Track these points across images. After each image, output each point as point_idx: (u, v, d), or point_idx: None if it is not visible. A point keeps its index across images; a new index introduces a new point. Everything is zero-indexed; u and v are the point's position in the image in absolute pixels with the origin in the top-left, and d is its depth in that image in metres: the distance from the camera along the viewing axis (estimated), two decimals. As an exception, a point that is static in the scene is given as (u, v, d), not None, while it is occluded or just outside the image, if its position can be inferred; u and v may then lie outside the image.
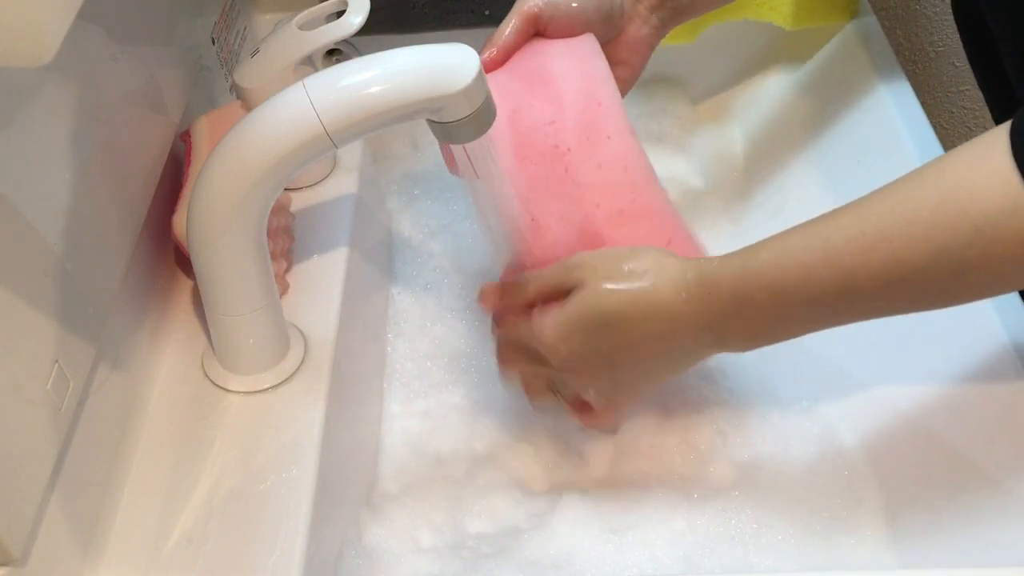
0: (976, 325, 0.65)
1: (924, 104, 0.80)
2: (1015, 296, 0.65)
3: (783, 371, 0.73)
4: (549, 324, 0.61)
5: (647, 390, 0.66)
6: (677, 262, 0.59)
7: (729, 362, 0.75)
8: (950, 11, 0.85)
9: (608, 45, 0.70)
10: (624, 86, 0.72)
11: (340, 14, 0.68)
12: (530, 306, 0.64)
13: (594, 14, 0.68)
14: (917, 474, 0.64)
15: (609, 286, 0.59)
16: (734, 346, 0.59)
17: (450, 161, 0.66)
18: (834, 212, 0.55)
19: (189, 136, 0.70)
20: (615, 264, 0.60)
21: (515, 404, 0.73)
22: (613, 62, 0.70)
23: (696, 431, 0.70)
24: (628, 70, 0.72)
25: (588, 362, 0.62)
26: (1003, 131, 0.49)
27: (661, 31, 0.72)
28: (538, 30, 0.67)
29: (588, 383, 0.63)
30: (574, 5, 0.67)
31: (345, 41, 0.72)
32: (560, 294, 0.62)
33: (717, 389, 0.73)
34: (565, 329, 0.61)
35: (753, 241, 0.58)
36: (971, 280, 0.51)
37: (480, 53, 0.60)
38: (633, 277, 0.59)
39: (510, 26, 0.66)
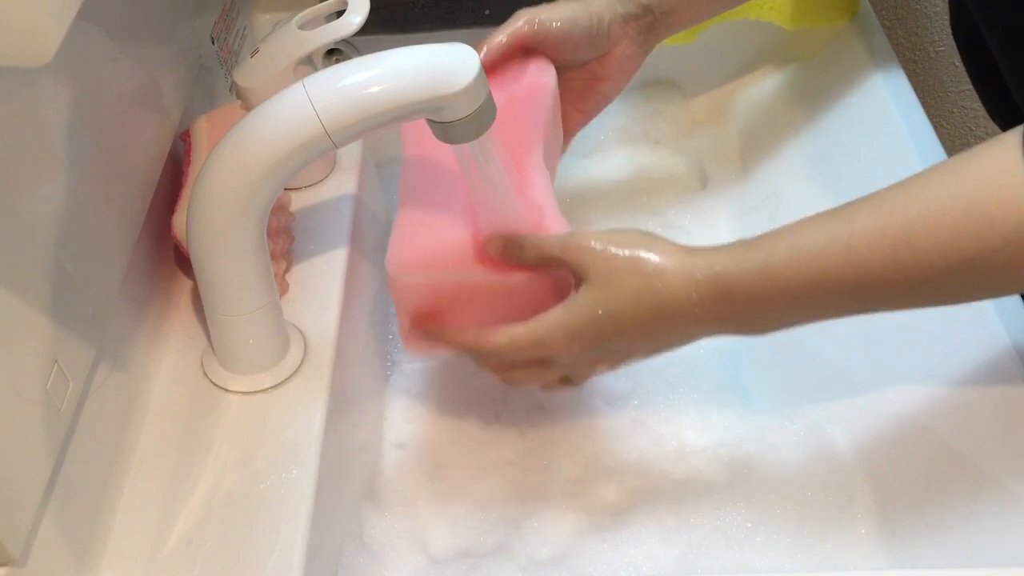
0: (973, 323, 0.65)
1: (924, 104, 0.80)
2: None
3: (776, 371, 0.73)
4: (557, 328, 0.61)
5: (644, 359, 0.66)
6: (684, 257, 0.59)
7: (726, 361, 0.75)
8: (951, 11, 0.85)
9: (595, 62, 0.73)
10: (605, 100, 0.76)
11: (340, 14, 0.68)
12: (524, 270, 0.63)
13: (582, 38, 0.70)
14: (909, 473, 0.64)
15: (616, 287, 0.59)
16: (744, 335, 0.60)
17: None
18: (850, 210, 0.55)
19: (189, 136, 0.70)
20: (618, 256, 0.60)
21: (515, 401, 0.73)
22: (599, 77, 0.73)
23: (692, 431, 0.71)
24: (612, 84, 0.75)
25: (599, 356, 0.62)
26: (1016, 137, 0.50)
27: (648, 48, 0.74)
28: (527, 48, 0.70)
29: (599, 369, 0.65)
30: (560, 27, 0.69)
31: (345, 41, 0.72)
32: (557, 268, 0.62)
33: (711, 389, 0.73)
34: (575, 330, 0.60)
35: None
36: (994, 284, 0.53)
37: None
38: (640, 275, 0.59)
39: (498, 43, 0.69)
